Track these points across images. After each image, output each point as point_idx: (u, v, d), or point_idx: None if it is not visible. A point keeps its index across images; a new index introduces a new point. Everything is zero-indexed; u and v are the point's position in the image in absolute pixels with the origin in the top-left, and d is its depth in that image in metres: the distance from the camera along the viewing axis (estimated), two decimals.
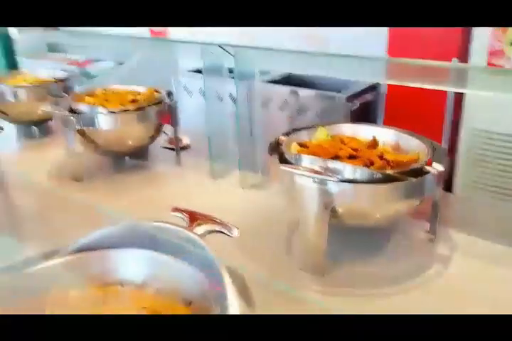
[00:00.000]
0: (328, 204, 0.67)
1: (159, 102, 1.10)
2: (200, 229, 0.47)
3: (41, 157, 1.23)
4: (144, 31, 3.03)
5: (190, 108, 1.89)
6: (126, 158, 1.19)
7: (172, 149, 1.22)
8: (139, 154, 1.19)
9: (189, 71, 2.46)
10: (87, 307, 0.44)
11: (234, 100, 1.00)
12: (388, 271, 0.73)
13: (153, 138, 1.13)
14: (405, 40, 1.71)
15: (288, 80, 2.16)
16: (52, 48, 3.92)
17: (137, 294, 0.45)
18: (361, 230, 0.80)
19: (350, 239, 0.79)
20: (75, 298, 0.45)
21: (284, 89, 2.01)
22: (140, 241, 0.47)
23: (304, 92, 1.96)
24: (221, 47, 0.88)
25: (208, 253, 0.43)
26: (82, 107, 1.04)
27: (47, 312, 0.42)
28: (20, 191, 0.82)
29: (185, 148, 1.26)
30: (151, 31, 3.05)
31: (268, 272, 0.71)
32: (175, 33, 2.93)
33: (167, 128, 1.17)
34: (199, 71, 2.42)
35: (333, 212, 0.69)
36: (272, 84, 2.04)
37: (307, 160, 0.68)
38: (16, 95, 1.28)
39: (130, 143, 1.10)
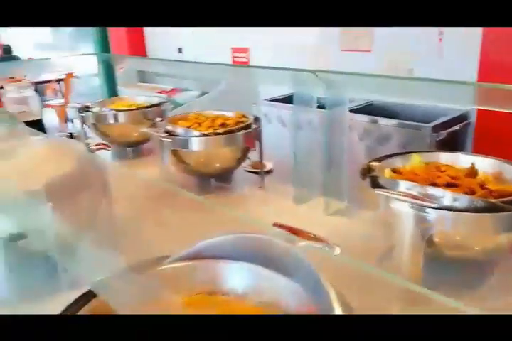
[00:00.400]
0: (425, 231, 0.65)
1: (247, 126, 1.14)
2: (303, 245, 0.48)
3: (135, 174, 1.32)
4: (227, 60, 3.20)
5: (268, 135, 1.95)
6: (212, 180, 1.23)
7: (255, 173, 1.25)
8: (224, 176, 1.23)
9: (268, 100, 2.54)
10: (191, 313, 0.46)
11: (315, 127, 1.01)
12: (485, 309, 0.68)
13: (239, 162, 1.17)
14: (496, 68, 1.65)
15: (369, 109, 2.15)
16: (142, 78, 4.23)
17: (239, 304, 0.47)
18: (457, 263, 0.76)
19: (446, 271, 0.75)
20: (180, 303, 0.47)
21: (364, 118, 2.00)
22: (243, 253, 0.48)
23: (384, 122, 1.94)
24: (314, 74, 0.90)
25: (312, 269, 0.43)
26: (177, 130, 1.11)
27: None
28: (118, 205, 0.88)
29: (268, 172, 1.29)
30: (234, 61, 3.21)
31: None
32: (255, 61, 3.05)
33: (250, 153, 1.21)
34: (277, 100, 2.49)
35: (430, 241, 0.66)
36: (352, 113, 2.04)
37: (404, 186, 0.67)
38: (116, 118, 1.40)
39: (218, 165, 1.15)
